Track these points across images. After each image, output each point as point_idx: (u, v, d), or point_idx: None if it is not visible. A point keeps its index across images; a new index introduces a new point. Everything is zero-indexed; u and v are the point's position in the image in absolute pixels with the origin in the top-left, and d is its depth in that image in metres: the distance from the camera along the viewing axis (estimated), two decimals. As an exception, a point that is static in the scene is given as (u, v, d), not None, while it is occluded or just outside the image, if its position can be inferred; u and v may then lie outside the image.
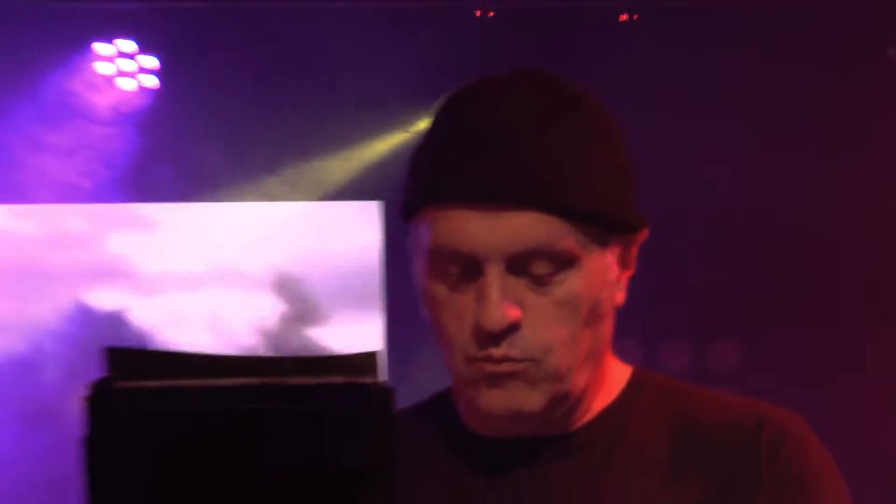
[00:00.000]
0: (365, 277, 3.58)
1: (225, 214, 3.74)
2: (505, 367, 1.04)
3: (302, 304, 3.76)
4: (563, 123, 1.05)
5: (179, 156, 3.32)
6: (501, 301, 1.02)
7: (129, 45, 3.18)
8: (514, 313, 1.02)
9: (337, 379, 0.56)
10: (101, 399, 0.53)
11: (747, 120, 3.23)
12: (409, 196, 1.04)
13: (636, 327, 2.70)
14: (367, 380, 0.56)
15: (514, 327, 1.03)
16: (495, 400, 1.05)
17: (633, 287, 1.03)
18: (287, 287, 3.70)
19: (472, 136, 1.04)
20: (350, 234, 3.71)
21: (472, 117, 1.05)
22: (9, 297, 3.60)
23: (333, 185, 3.51)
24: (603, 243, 1.04)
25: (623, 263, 1.06)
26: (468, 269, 1.01)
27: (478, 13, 3.19)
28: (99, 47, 3.21)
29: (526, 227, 1.02)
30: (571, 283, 1.04)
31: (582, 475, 1.12)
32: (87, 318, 3.44)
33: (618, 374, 1.17)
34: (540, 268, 1.03)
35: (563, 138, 1.04)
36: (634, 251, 1.08)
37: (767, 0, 3.39)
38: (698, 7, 3.36)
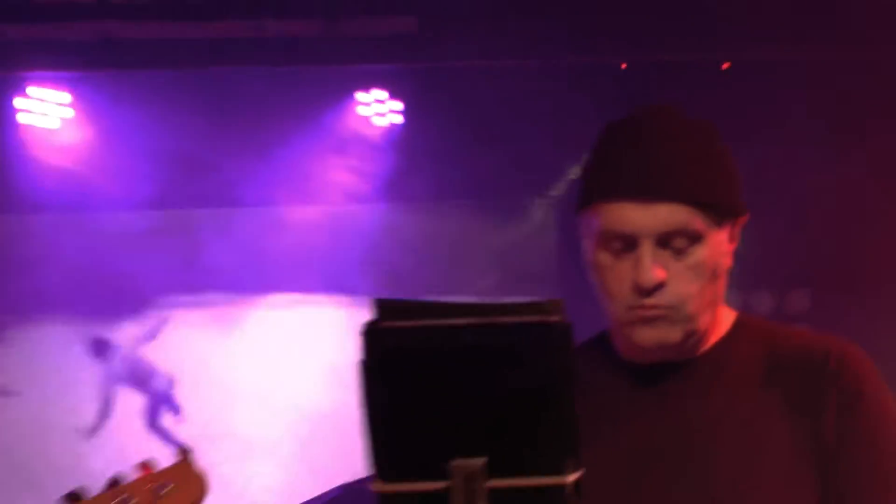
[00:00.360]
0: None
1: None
2: (654, 312, 1.30)
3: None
4: (690, 140, 1.33)
5: (419, 171, 4.26)
6: (652, 266, 1.27)
7: (382, 94, 4.14)
8: (661, 275, 1.27)
9: (534, 318, 0.76)
10: (371, 335, 0.76)
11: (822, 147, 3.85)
12: (582, 195, 1.32)
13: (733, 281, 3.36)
14: (554, 319, 0.75)
15: (660, 284, 1.28)
16: (647, 335, 1.32)
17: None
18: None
19: (627, 150, 1.31)
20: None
21: (626, 137, 1.33)
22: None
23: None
24: (720, 224, 1.30)
25: (732, 238, 1.34)
26: (628, 244, 1.27)
27: (623, 66, 3.91)
28: (360, 96, 4.17)
29: (669, 215, 1.28)
30: (699, 253, 1.30)
31: (701, 386, 1.41)
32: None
33: (726, 317, 1.43)
34: (678, 243, 1.29)
35: (692, 150, 1.33)
36: (739, 230, 1.35)
37: (843, 52, 3.84)
38: (783, 60, 3.91)
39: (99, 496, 1.66)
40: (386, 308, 0.85)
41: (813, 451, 1.41)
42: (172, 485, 1.71)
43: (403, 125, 4.24)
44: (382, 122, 4.22)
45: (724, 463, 1.44)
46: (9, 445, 4.77)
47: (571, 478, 0.90)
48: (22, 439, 4.77)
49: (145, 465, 1.71)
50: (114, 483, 1.67)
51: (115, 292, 4.62)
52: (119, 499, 1.63)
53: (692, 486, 1.42)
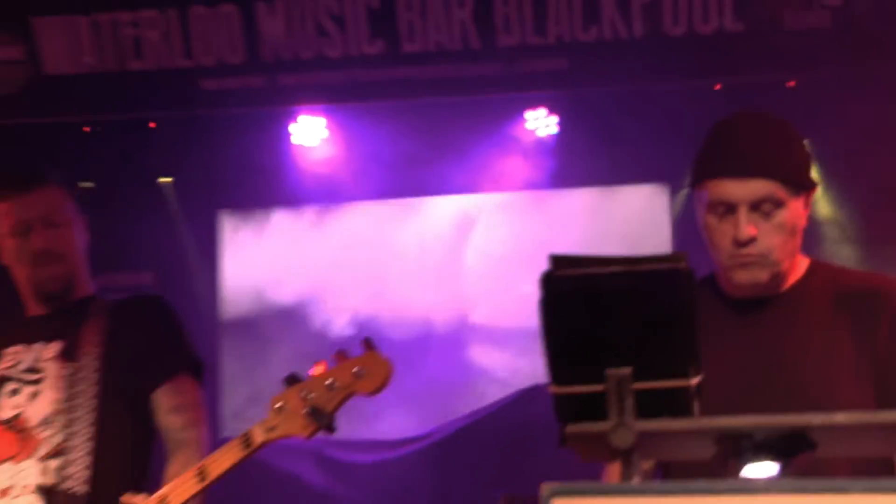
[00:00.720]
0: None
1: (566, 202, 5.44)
2: (748, 259, 1.63)
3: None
4: (772, 132, 1.67)
5: (571, 170, 5.14)
6: (747, 225, 1.58)
7: (542, 112, 4.98)
8: (753, 231, 1.58)
9: (666, 265, 1.01)
10: (547, 281, 0.97)
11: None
12: (694, 175, 1.68)
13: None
14: (681, 266, 1.00)
15: (752, 239, 1.59)
16: (743, 276, 1.67)
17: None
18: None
19: (727, 141, 1.66)
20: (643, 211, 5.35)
21: (726, 132, 1.68)
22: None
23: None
24: (797, 194, 1.62)
25: (805, 205, 1.66)
26: (728, 209, 1.60)
27: (717, 87, 4.68)
28: (528, 114, 5.00)
29: (759, 188, 1.59)
30: (783, 216, 1.61)
31: (784, 315, 1.74)
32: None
33: (802, 263, 1.73)
34: (766, 208, 1.60)
35: (774, 139, 1.65)
36: (811, 200, 1.69)
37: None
38: (847, 74, 4.48)
39: (311, 378, 2.06)
40: (559, 261, 1.05)
41: (870, 362, 1.70)
42: (365, 369, 2.03)
43: (558, 134, 5.08)
44: (543, 133, 5.09)
45: (805, 372, 1.70)
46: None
47: (694, 381, 1.11)
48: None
49: (342, 355, 2.05)
50: (320, 368, 2.08)
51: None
52: (328, 380, 2.01)
53: (781, 390, 1.67)
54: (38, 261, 2.60)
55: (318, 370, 2.12)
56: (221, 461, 2.21)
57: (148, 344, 2.64)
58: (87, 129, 5.28)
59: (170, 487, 2.27)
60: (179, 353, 2.67)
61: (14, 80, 4.99)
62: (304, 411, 2.08)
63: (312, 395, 2.10)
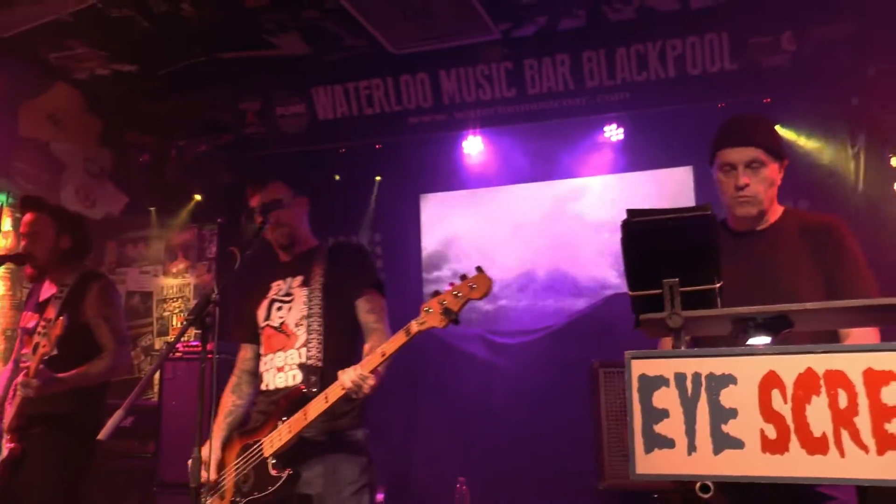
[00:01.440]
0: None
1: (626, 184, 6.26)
2: (744, 199, 2.32)
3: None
4: (761, 122, 2.43)
5: (632, 162, 6.13)
6: (743, 177, 2.28)
7: (613, 126, 6.12)
8: (747, 181, 2.29)
9: (699, 212, 1.60)
10: (626, 226, 1.61)
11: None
12: (711, 149, 2.42)
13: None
14: (709, 212, 1.60)
15: (747, 185, 2.29)
16: (741, 210, 2.36)
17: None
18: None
19: (731, 127, 2.42)
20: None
21: (731, 122, 2.43)
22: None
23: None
24: (774, 160, 2.35)
25: (780, 170, 2.36)
26: (731, 168, 2.33)
27: (721, 105, 5.58)
28: (606, 128, 6.13)
29: (751, 153, 2.31)
30: (765, 172, 2.33)
31: (768, 242, 2.34)
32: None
33: (779, 209, 2.37)
34: (755, 166, 2.31)
35: (761, 125, 2.41)
36: (783, 167, 2.36)
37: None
38: (800, 94, 5.35)
39: (445, 292, 2.58)
40: (632, 212, 1.54)
41: (821, 271, 2.28)
42: (476, 284, 2.53)
43: (623, 140, 6.23)
44: (615, 139, 6.26)
45: (783, 279, 2.25)
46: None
47: (718, 285, 1.52)
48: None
49: (463, 276, 2.53)
50: (450, 286, 2.58)
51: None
52: (455, 292, 2.55)
53: (768, 290, 2.17)
54: (273, 228, 3.15)
55: (449, 287, 2.58)
56: (393, 343, 2.63)
57: (351, 271, 3.12)
58: (342, 150, 6.77)
59: (364, 361, 2.69)
60: (370, 276, 3.15)
61: (299, 125, 6.72)
62: (440, 311, 2.52)
63: (445, 301, 2.54)
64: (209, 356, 2.46)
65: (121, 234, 7.36)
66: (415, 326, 2.56)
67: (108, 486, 5.09)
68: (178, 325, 6.98)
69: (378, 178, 6.90)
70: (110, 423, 2.31)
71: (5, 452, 3.50)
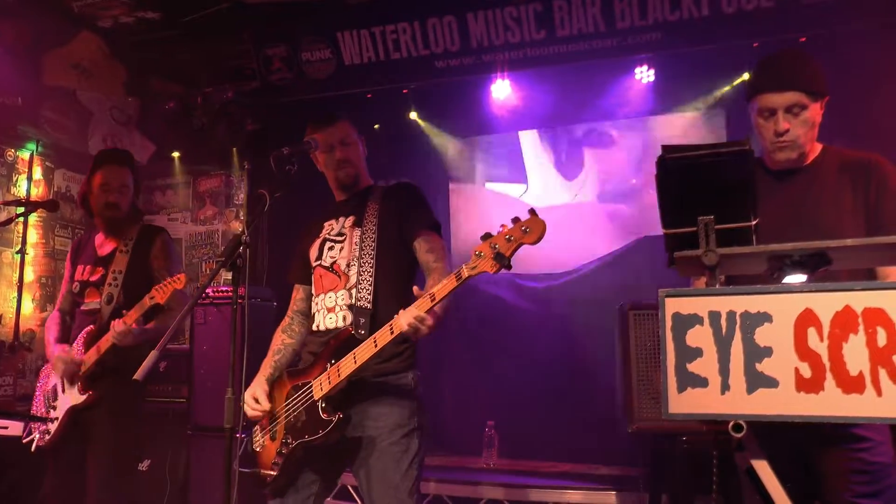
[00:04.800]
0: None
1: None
2: (784, 144, 2.28)
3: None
4: (800, 60, 2.30)
5: (664, 103, 6.16)
6: (783, 122, 2.21)
7: (644, 68, 5.92)
8: (787, 126, 2.22)
9: (739, 147, 1.63)
10: (661, 162, 1.66)
11: None
12: (748, 91, 2.35)
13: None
14: (747, 146, 1.64)
15: (787, 131, 2.22)
16: (781, 155, 2.31)
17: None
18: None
19: (769, 67, 2.31)
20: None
21: (770, 63, 2.31)
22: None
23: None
24: (815, 100, 2.29)
25: (821, 107, 2.29)
26: (771, 113, 2.24)
27: (755, 44, 5.46)
28: (637, 70, 6.02)
29: (791, 97, 2.24)
30: (806, 115, 2.27)
31: (807, 179, 2.32)
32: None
33: (818, 146, 2.35)
34: (795, 110, 2.23)
35: (801, 64, 2.29)
36: (825, 103, 2.29)
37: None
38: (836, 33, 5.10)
39: (497, 234, 2.45)
40: (667, 148, 1.57)
41: (862, 207, 2.24)
42: (530, 227, 2.40)
43: (654, 81, 6.12)
44: (646, 80, 6.15)
45: (821, 215, 2.22)
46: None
47: (753, 222, 1.52)
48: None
49: (516, 218, 2.41)
50: (501, 228, 2.45)
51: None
52: (507, 235, 2.41)
53: (806, 228, 2.13)
54: (339, 166, 3.14)
55: (500, 229, 2.43)
56: (444, 288, 2.57)
57: (408, 211, 3.06)
58: (369, 95, 6.73)
59: (418, 302, 2.62)
60: (428, 216, 3.08)
61: (326, 70, 6.63)
62: (492, 256, 2.40)
63: (497, 245, 2.41)
64: (240, 300, 2.47)
65: (149, 182, 7.40)
66: (465, 271, 2.50)
67: (145, 432, 5.18)
68: (207, 272, 7.02)
69: (376, 125, 6.88)
70: (146, 364, 2.35)
71: (81, 399, 3.66)
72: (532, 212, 2.36)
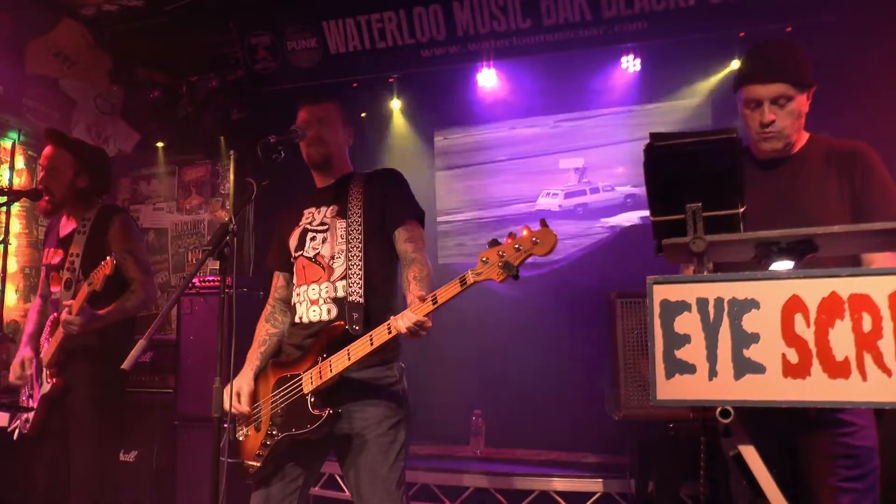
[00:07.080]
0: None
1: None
2: (770, 135, 2.24)
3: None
4: (787, 51, 2.24)
5: (650, 92, 6.03)
6: (769, 114, 2.18)
7: (630, 57, 5.87)
8: (773, 117, 2.18)
9: (725, 135, 1.58)
10: (649, 149, 1.57)
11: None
12: (736, 82, 2.29)
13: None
14: (734, 135, 1.60)
15: (773, 122, 2.19)
16: (767, 146, 2.28)
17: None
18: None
19: (756, 58, 2.25)
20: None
21: (756, 54, 2.26)
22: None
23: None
24: (802, 91, 2.22)
25: (808, 98, 2.24)
26: (757, 104, 2.21)
27: (741, 34, 5.41)
28: (623, 59, 5.88)
29: (777, 89, 2.18)
30: (792, 106, 2.21)
31: (793, 168, 2.27)
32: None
33: (804, 135, 2.30)
34: (781, 101, 2.19)
35: (788, 55, 2.22)
36: (811, 93, 2.26)
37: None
38: (819, 23, 5.03)
39: (505, 243, 2.37)
40: (655, 136, 1.52)
41: (848, 196, 2.20)
42: (540, 239, 2.34)
43: (640, 71, 6.03)
44: (632, 70, 6.04)
45: (808, 204, 2.18)
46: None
47: (741, 210, 1.50)
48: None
49: (526, 227, 2.35)
50: (510, 236, 2.37)
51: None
52: (516, 245, 2.33)
53: (793, 216, 2.12)
54: (309, 143, 3.05)
55: (509, 237, 2.37)
56: (447, 292, 2.49)
57: (390, 200, 2.98)
58: (354, 84, 6.64)
59: (417, 306, 2.54)
60: (410, 205, 3.01)
61: (311, 59, 6.48)
62: (499, 264, 2.32)
63: (505, 253, 2.34)
64: (227, 290, 2.43)
65: (133, 172, 7.33)
66: (471, 277, 2.42)
67: (131, 422, 5.03)
68: (194, 262, 6.94)
69: (363, 114, 6.83)
70: (133, 353, 2.32)
71: (48, 387, 3.61)
72: (543, 223, 2.32)
